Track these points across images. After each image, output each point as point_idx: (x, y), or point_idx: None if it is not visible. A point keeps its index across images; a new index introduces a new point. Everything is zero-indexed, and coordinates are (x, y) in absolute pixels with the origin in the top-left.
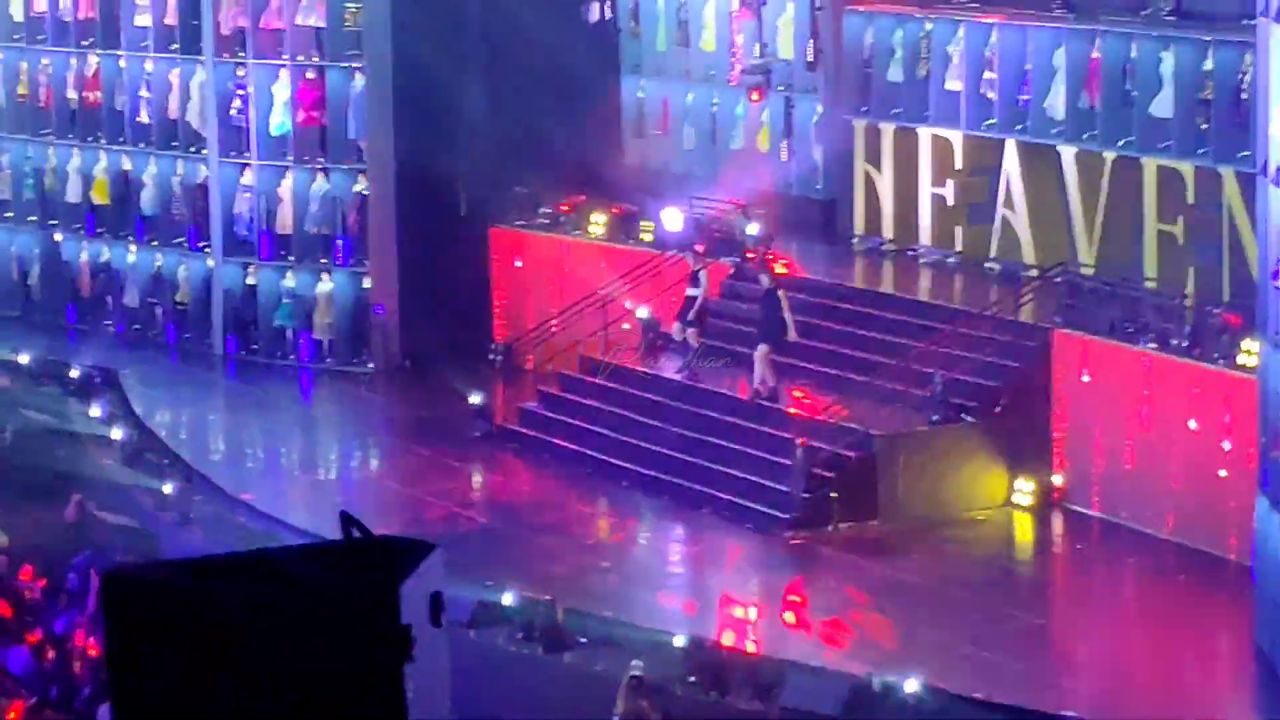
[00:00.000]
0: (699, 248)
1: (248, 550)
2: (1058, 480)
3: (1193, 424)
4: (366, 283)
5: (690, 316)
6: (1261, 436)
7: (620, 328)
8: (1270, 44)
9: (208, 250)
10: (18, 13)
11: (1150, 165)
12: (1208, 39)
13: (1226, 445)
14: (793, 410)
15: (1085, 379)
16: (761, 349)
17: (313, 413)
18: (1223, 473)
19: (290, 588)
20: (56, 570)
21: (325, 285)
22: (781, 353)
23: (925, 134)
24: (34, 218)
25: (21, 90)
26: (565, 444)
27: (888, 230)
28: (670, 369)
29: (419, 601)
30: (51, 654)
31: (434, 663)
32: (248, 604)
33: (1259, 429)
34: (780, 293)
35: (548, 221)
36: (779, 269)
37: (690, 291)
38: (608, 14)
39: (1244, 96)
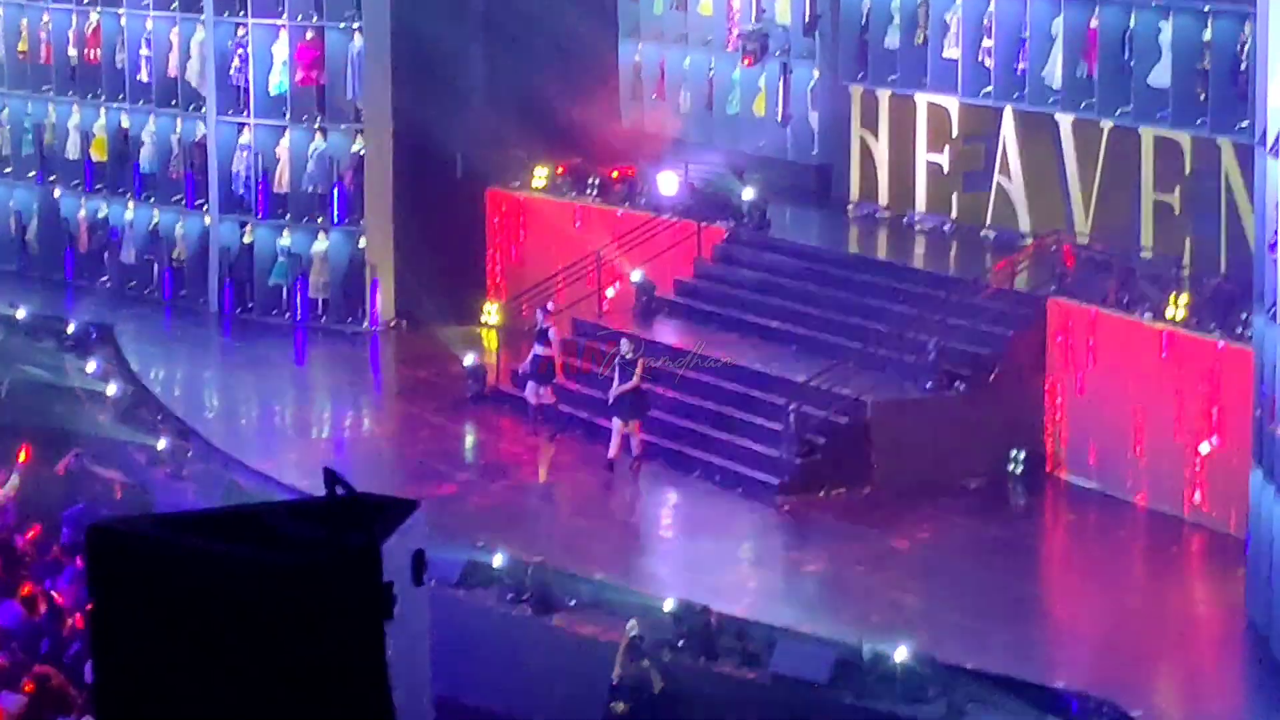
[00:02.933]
0: (550, 305)
1: (232, 506)
2: (1050, 449)
3: (1186, 392)
4: (362, 242)
5: (550, 375)
6: (1256, 408)
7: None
8: (1270, 14)
9: (205, 208)
10: None
11: (1148, 135)
12: (1206, 9)
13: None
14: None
15: (1088, 351)
16: (617, 423)
17: (307, 371)
18: (1213, 442)
19: (273, 544)
20: (49, 524)
21: (321, 244)
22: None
23: (922, 101)
24: (32, 174)
25: (22, 47)
26: (556, 406)
27: (883, 197)
28: (665, 332)
29: (401, 559)
30: (43, 608)
31: (414, 621)
32: (231, 561)
33: (1254, 401)
34: (641, 361)
35: (544, 184)
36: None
37: (539, 350)
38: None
39: (1243, 67)
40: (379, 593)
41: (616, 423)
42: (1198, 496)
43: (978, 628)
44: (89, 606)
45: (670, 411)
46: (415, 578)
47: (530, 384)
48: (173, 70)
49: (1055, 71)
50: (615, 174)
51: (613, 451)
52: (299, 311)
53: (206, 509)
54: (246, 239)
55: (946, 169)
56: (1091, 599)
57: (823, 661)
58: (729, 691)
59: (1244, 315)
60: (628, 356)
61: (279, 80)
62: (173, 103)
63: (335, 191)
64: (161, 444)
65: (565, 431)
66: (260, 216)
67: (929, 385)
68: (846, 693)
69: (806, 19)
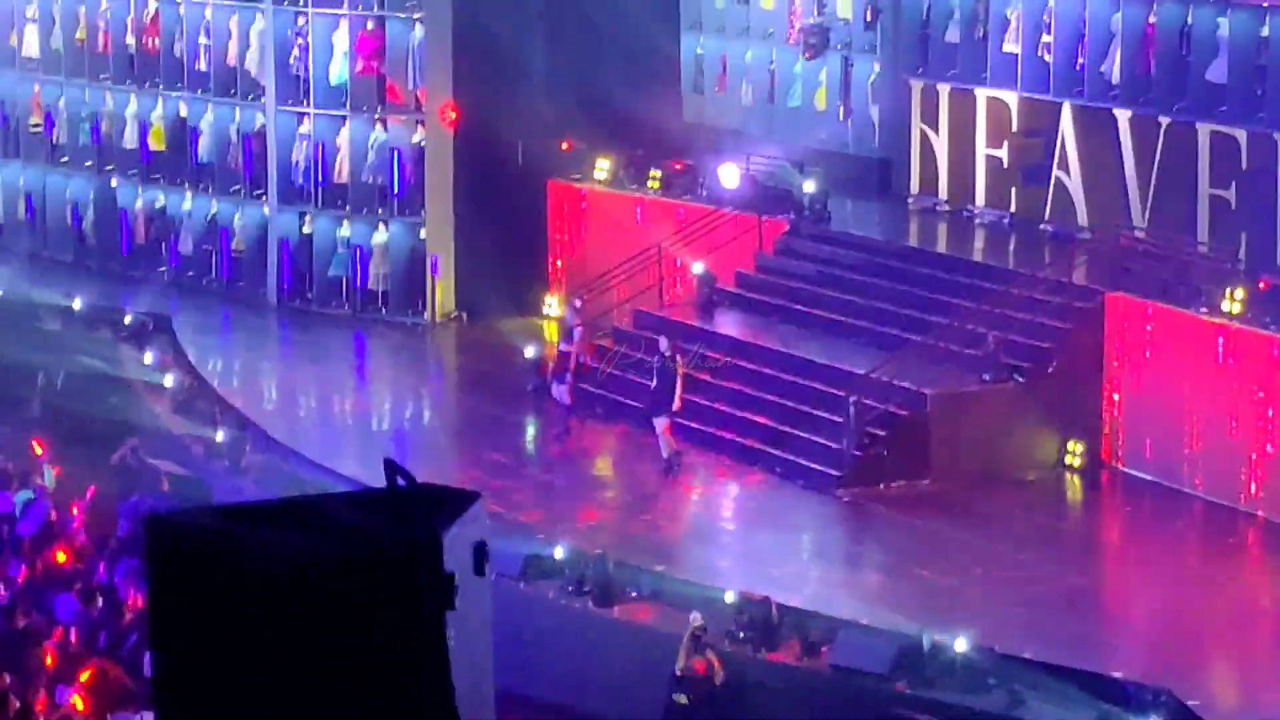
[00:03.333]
0: (578, 302)
1: (292, 497)
2: (1108, 442)
3: (1243, 386)
4: (422, 234)
5: (567, 373)
6: None
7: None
8: None
9: (264, 198)
10: None
11: (1205, 130)
12: (1265, 4)
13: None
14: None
15: (1145, 345)
16: (660, 422)
17: (366, 363)
18: (1273, 435)
19: (334, 535)
20: (107, 516)
21: (381, 235)
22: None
23: (982, 95)
24: (90, 163)
25: (80, 35)
26: (618, 398)
27: (943, 191)
28: (728, 324)
29: (462, 550)
30: (100, 600)
31: (477, 611)
32: (291, 551)
33: None
34: (679, 360)
35: (605, 176)
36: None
37: (563, 347)
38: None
39: None
40: (441, 583)
41: (659, 422)
42: (1254, 488)
43: (1036, 618)
44: (147, 598)
45: (731, 404)
46: (477, 568)
47: (553, 384)
48: (232, 59)
49: (1114, 67)
50: (677, 166)
51: (665, 451)
52: (359, 302)
53: (265, 500)
54: (306, 229)
55: (1006, 163)
56: (1148, 590)
57: (883, 652)
58: (790, 682)
59: None
60: (665, 355)
61: (339, 70)
62: (231, 92)
63: (396, 182)
64: (220, 436)
65: (568, 433)
66: (319, 207)
67: (988, 378)
68: (907, 683)
69: (868, 13)
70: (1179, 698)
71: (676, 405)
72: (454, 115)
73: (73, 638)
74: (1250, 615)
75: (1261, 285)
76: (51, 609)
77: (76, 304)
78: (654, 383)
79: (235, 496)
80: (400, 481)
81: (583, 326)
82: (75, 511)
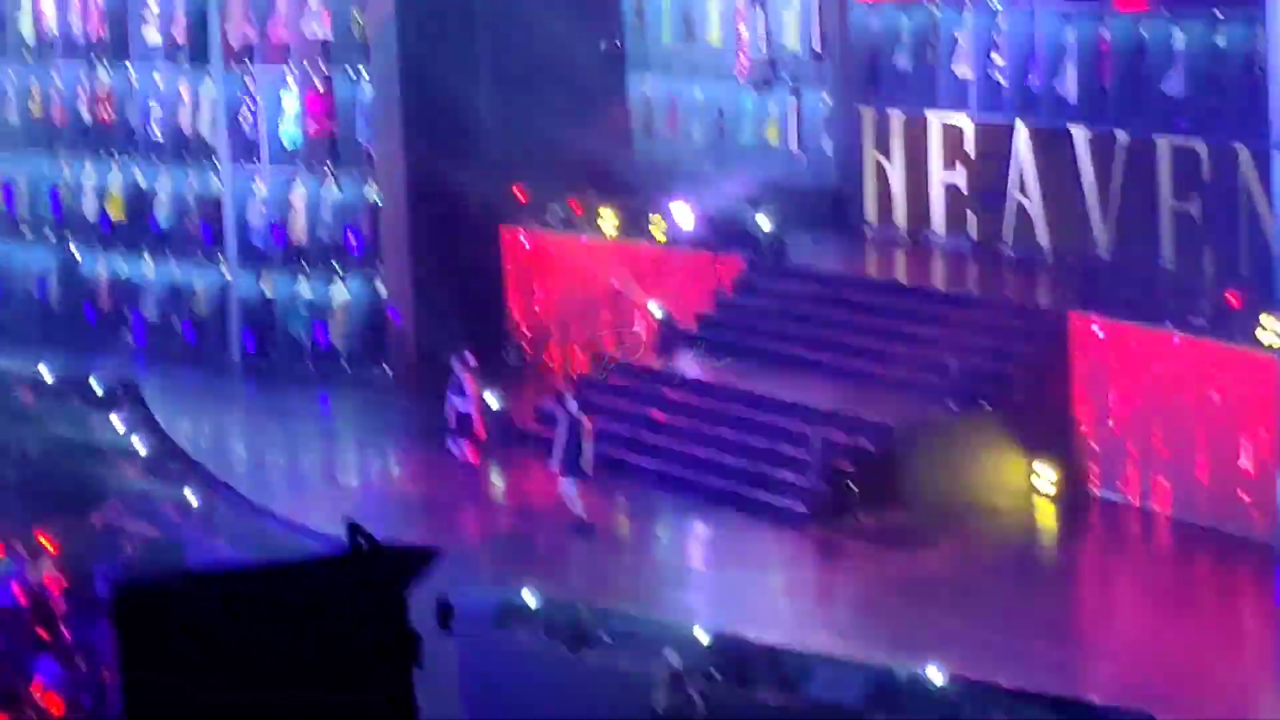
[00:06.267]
0: (469, 359)
1: (255, 561)
2: (1078, 465)
3: (1214, 402)
4: (381, 289)
5: (468, 429)
6: None
7: (632, 330)
8: None
9: (222, 261)
10: (28, 31)
11: (1164, 144)
12: (1219, 16)
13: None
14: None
15: (1112, 365)
16: (568, 482)
17: (331, 419)
18: (1244, 452)
19: (299, 598)
20: (83, 580)
21: (340, 292)
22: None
23: (935, 120)
24: (51, 234)
25: (34, 108)
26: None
27: (900, 219)
28: (684, 363)
29: (426, 608)
30: (81, 663)
31: (443, 667)
32: (256, 615)
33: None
34: (585, 420)
35: (559, 221)
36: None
37: (458, 406)
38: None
39: (1257, 71)
40: (406, 641)
41: (567, 484)
42: (1230, 507)
43: (1012, 646)
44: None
45: (697, 443)
46: (441, 624)
47: (452, 440)
48: (184, 124)
49: (1068, 84)
50: (630, 209)
51: (577, 511)
52: (320, 360)
53: (231, 565)
54: (265, 290)
55: (963, 188)
56: (1125, 613)
57: (858, 685)
58: (768, 719)
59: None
60: (574, 415)
61: (291, 131)
62: (185, 157)
63: (350, 239)
64: (191, 497)
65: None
66: (278, 267)
67: (953, 406)
68: (883, 716)
69: (815, 44)
70: None
71: (588, 468)
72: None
73: (55, 701)
74: (1229, 637)
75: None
76: (33, 674)
77: (46, 374)
78: (564, 439)
79: (208, 556)
80: (362, 542)
81: (473, 381)
82: (53, 577)
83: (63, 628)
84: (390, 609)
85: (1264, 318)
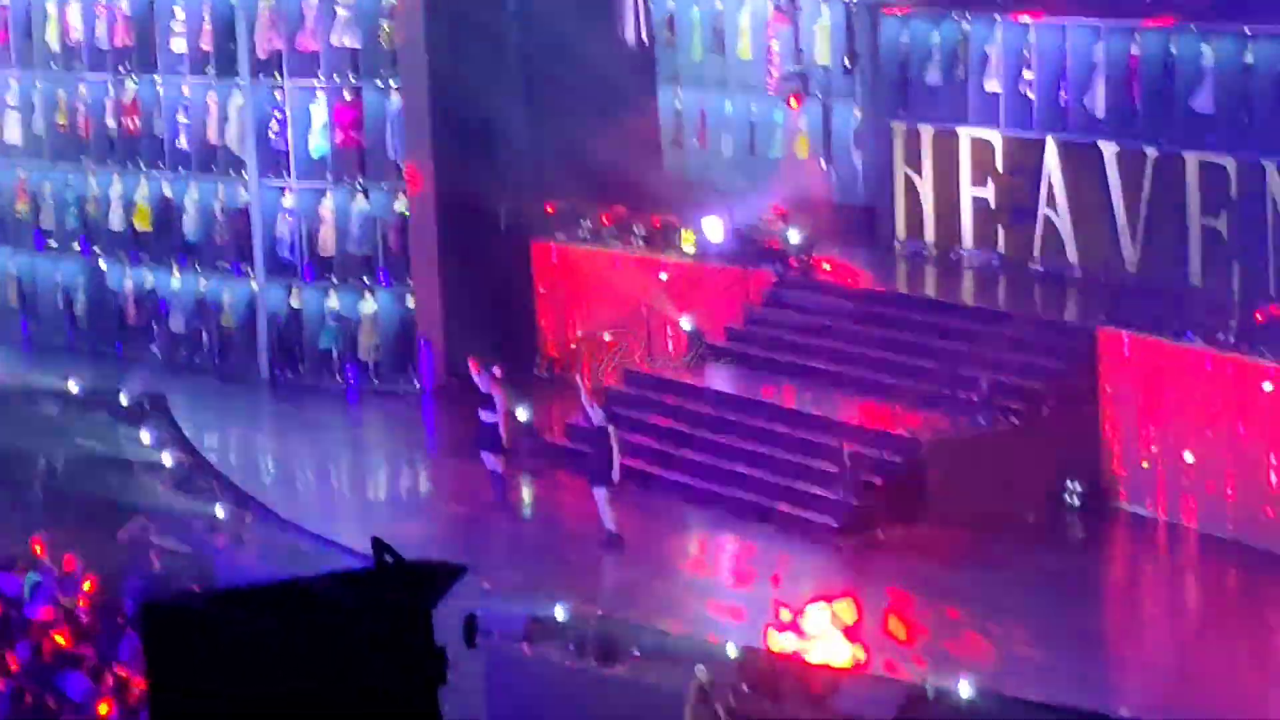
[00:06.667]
0: (497, 371)
1: (282, 578)
2: (1106, 479)
3: (1241, 417)
4: (410, 302)
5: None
6: None
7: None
8: None
9: (251, 274)
10: (54, 41)
11: (1193, 160)
12: (1249, 32)
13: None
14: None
15: (1141, 380)
16: (600, 492)
17: (360, 433)
18: (1271, 466)
19: (324, 615)
20: (112, 596)
21: (369, 306)
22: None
23: (965, 135)
24: (78, 246)
25: (61, 119)
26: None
27: (929, 234)
28: (719, 379)
29: (452, 624)
30: (110, 679)
31: (469, 684)
32: (282, 633)
33: None
34: (611, 429)
35: (589, 235)
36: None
37: (484, 416)
38: (644, 34)
39: None
40: (432, 658)
41: (599, 493)
42: (1257, 521)
43: (1041, 660)
44: (146, 681)
45: (725, 457)
46: (467, 640)
47: (488, 455)
48: (212, 136)
49: (1098, 100)
50: (659, 222)
51: (608, 524)
52: (350, 374)
53: (257, 582)
54: (294, 303)
55: (992, 204)
56: (1155, 627)
57: (888, 700)
58: None
59: None
60: (599, 423)
61: (319, 142)
62: (213, 169)
63: (380, 252)
64: (219, 512)
65: (505, 498)
66: (306, 280)
67: (982, 421)
68: None
69: (846, 59)
70: None
71: (615, 476)
72: (415, 181)
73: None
74: (1258, 653)
75: (1259, 317)
76: (63, 689)
77: (73, 387)
78: (590, 452)
79: (237, 571)
80: (388, 559)
81: (502, 394)
82: (83, 592)
83: (91, 643)
84: (416, 625)
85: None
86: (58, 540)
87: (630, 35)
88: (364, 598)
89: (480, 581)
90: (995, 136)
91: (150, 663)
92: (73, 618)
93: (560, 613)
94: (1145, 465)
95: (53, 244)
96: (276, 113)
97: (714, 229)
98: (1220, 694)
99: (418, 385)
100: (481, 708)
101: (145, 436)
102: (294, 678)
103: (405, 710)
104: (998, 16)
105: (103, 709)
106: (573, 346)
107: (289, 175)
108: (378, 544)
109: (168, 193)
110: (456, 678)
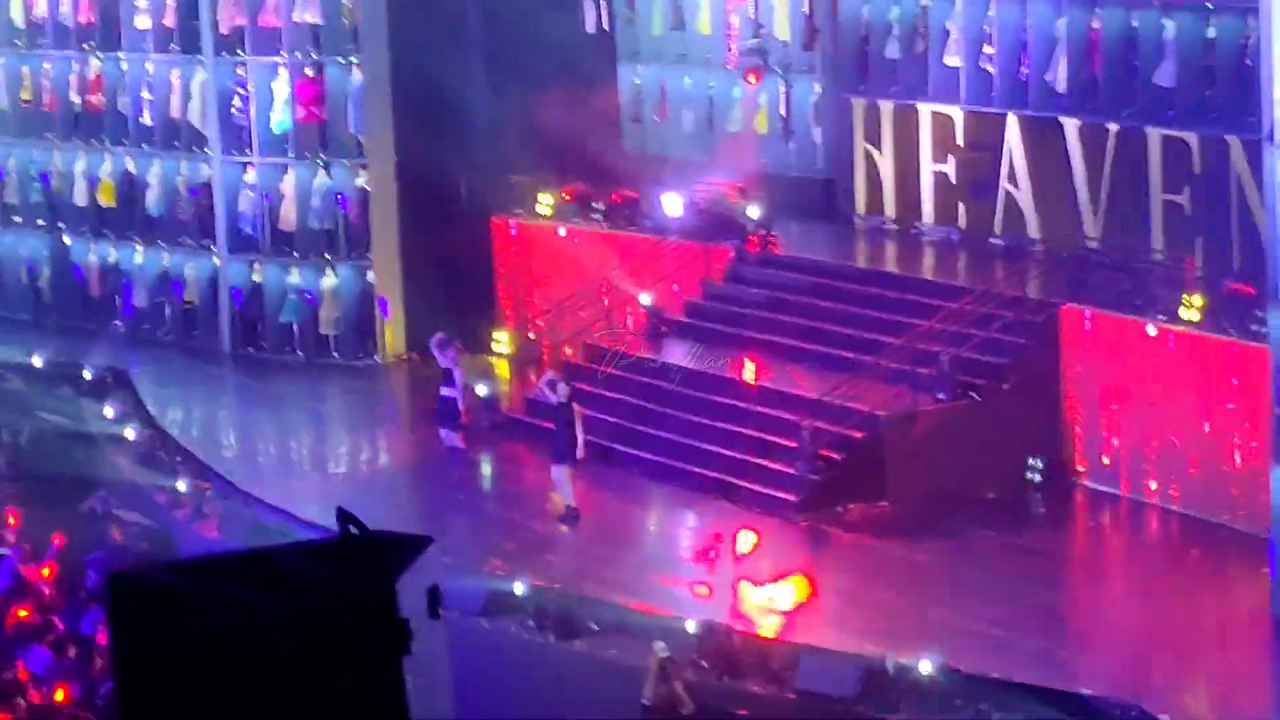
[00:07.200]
0: (441, 338)
1: (247, 549)
2: (1067, 455)
3: (1203, 393)
4: (370, 276)
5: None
6: (1275, 406)
7: (624, 322)
8: (1272, 9)
9: (213, 249)
10: (18, 18)
11: (1155, 135)
12: (1210, 6)
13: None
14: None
15: (1103, 356)
16: (561, 470)
17: (321, 407)
18: (1233, 442)
19: (289, 585)
20: (75, 568)
21: (330, 280)
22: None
23: (925, 111)
24: (42, 221)
25: (25, 95)
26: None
27: (890, 209)
28: (676, 354)
29: (416, 595)
30: (72, 651)
31: (433, 655)
32: (248, 603)
33: (1272, 398)
34: (576, 407)
35: (549, 210)
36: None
37: (445, 392)
38: (603, 20)
39: (1248, 62)
40: (396, 629)
41: (559, 470)
42: (1218, 497)
43: (1002, 637)
44: (111, 652)
45: (685, 433)
46: (431, 612)
47: (443, 430)
48: (175, 112)
49: (1059, 75)
50: (618, 198)
51: (566, 500)
52: (310, 348)
53: (222, 552)
54: (255, 278)
55: (953, 178)
56: (1116, 604)
57: (848, 676)
58: (756, 710)
59: (1259, 314)
60: (562, 400)
61: (281, 118)
62: (176, 145)
63: (340, 226)
64: (181, 485)
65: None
66: (268, 255)
67: (942, 397)
68: (873, 706)
69: (805, 33)
70: (1150, 713)
71: (580, 453)
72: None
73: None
74: (1221, 627)
75: (1230, 289)
76: (24, 661)
77: (37, 361)
78: (556, 427)
79: (199, 544)
80: (352, 529)
81: (460, 369)
82: (45, 566)
83: (54, 616)
84: (381, 596)
85: (1185, 296)
86: (23, 514)
87: (590, 24)
88: (329, 568)
89: (440, 556)
90: (956, 112)
91: (115, 633)
92: (34, 591)
93: (519, 587)
94: (1111, 441)
95: (17, 219)
96: (239, 89)
97: (673, 204)
98: (1181, 669)
99: (377, 358)
100: (447, 678)
101: (108, 411)
102: (259, 647)
103: (370, 679)
104: None
105: (59, 696)
106: (531, 337)
107: (251, 151)
108: (343, 514)
109: (131, 168)
110: (420, 648)
